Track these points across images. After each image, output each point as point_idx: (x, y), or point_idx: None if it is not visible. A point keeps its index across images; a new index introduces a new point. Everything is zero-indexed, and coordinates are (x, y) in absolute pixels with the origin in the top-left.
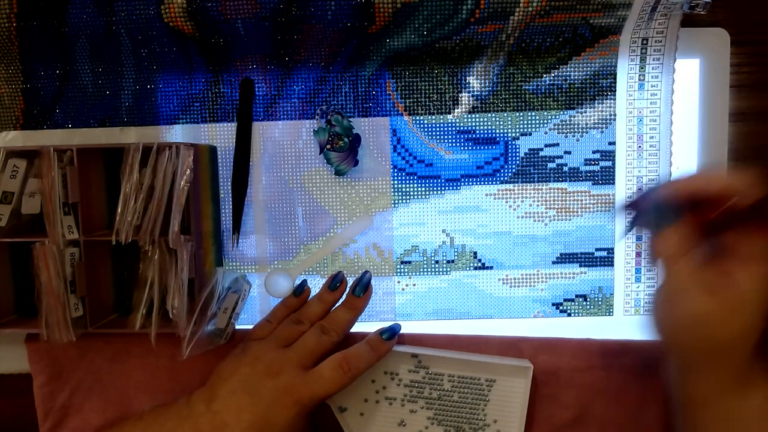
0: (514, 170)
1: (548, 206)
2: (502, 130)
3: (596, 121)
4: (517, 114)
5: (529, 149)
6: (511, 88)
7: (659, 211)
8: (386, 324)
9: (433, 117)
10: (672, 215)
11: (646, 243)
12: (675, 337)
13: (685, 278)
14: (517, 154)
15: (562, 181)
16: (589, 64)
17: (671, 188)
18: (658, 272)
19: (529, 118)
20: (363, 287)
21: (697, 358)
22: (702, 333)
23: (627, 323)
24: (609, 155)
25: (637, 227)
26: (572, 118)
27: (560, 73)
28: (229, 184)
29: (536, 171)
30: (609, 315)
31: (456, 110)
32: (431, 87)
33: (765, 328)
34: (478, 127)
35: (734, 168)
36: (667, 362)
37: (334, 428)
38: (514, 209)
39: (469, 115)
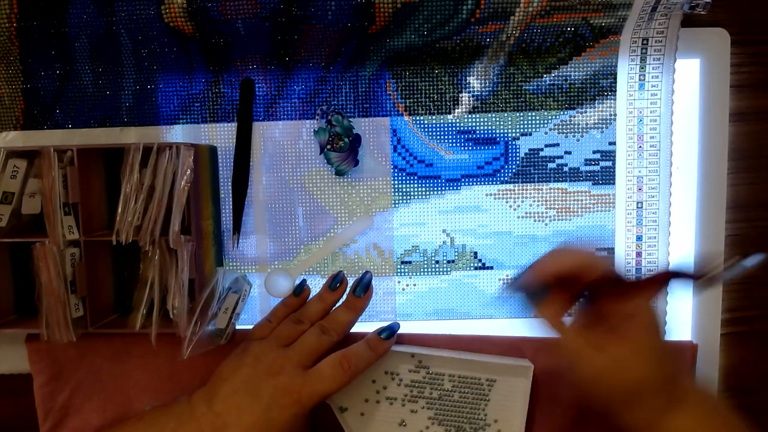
0: (514, 170)
1: (548, 206)
2: (502, 130)
3: (596, 121)
4: (518, 114)
5: (530, 149)
6: (512, 88)
7: (532, 292)
8: (386, 323)
9: (434, 117)
10: (542, 293)
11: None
12: (592, 390)
13: (576, 342)
14: (518, 154)
15: (562, 181)
16: (589, 64)
17: (533, 273)
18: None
19: (530, 118)
20: (363, 287)
21: (620, 401)
22: (611, 384)
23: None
24: (609, 155)
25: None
26: (572, 118)
27: (560, 73)
28: (230, 184)
29: (536, 171)
30: None
31: (456, 110)
32: (431, 87)
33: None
34: (478, 127)
35: (580, 249)
36: (610, 411)
37: (335, 428)
38: (515, 209)
39: (470, 115)
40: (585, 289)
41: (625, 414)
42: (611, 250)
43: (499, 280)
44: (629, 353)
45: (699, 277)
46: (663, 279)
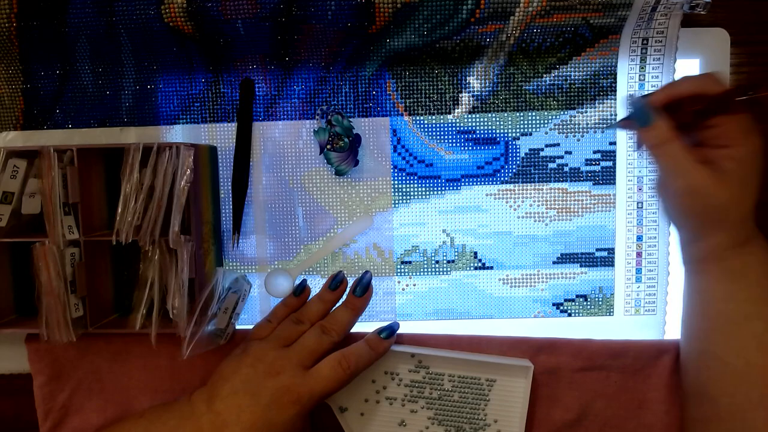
0: (514, 170)
1: (549, 206)
2: (502, 130)
3: (597, 121)
4: (518, 114)
5: (530, 149)
6: (512, 88)
7: (643, 111)
8: (386, 323)
9: (434, 117)
10: (654, 114)
11: (635, 136)
12: (680, 208)
13: (677, 155)
14: (518, 154)
15: (562, 181)
16: (589, 64)
17: (652, 96)
18: (652, 158)
19: (530, 118)
20: (363, 287)
21: (697, 225)
22: (697, 202)
23: (627, 323)
24: (610, 155)
25: (626, 125)
26: (573, 118)
27: (560, 73)
28: (229, 184)
29: (537, 171)
30: (609, 315)
31: (456, 110)
32: (431, 87)
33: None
34: (478, 127)
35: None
36: (679, 235)
37: (335, 428)
38: (515, 209)
39: (470, 115)
40: (698, 113)
41: (694, 245)
42: (611, 251)
43: (499, 280)
44: (723, 175)
45: None
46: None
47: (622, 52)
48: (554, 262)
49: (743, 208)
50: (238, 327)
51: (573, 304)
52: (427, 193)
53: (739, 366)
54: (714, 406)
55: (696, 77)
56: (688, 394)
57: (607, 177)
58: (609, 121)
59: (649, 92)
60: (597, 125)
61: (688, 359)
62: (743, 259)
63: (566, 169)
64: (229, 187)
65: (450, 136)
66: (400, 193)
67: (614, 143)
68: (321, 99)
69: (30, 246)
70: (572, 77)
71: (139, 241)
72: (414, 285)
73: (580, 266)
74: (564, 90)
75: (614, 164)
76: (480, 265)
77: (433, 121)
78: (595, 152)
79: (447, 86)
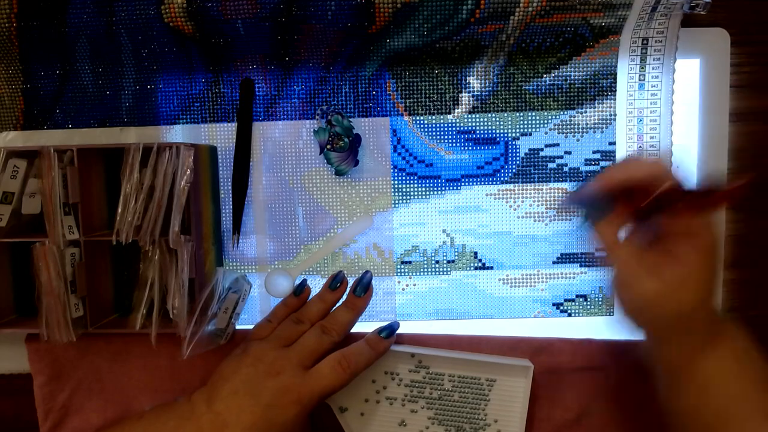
0: (514, 170)
1: (548, 206)
2: (502, 130)
3: (596, 121)
4: (518, 114)
5: (530, 149)
6: (512, 88)
7: (593, 206)
8: (386, 323)
9: (434, 117)
10: (605, 207)
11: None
12: (635, 317)
13: (629, 263)
14: (518, 154)
15: (562, 181)
16: (589, 64)
17: (600, 182)
18: (605, 262)
19: (530, 118)
20: (363, 287)
21: (661, 331)
22: (657, 311)
23: (627, 323)
24: (609, 155)
25: (585, 221)
26: (572, 118)
27: (560, 73)
28: (229, 184)
29: (536, 171)
30: (609, 315)
31: (456, 110)
32: (431, 87)
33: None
34: (478, 127)
35: (652, 158)
36: (641, 337)
37: (335, 428)
38: (515, 209)
39: (470, 115)
40: (651, 202)
41: (663, 349)
42: None
43: (499, 280)
44: (683, 278)
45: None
46: (737, 191)
47: (622, 52)
48: (554, 262)
49: (706, 309)
50: (238, 327)
51: (573, 304)
52: (427, 193)
53: None
54: None
55: (646, 166)
56: None
57: None
58: (607, 120)
59: (599, 176)
60: (597, 125)
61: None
62: (714, 366)
63: (566, 169)
64: (229, 187)
65: (450, 136)
66: (400, 193)
67: (614, 143)
68: (321, 99)
69: (30, 246)
70: (572, 77)
71: (139, 241)
72: (414, 285)
73: (580, 266)
74: (564, 90)
75: (614, 164)
76: (480, 265)
77: (433, 121)
78: (594, 152)
79: (447, 86)
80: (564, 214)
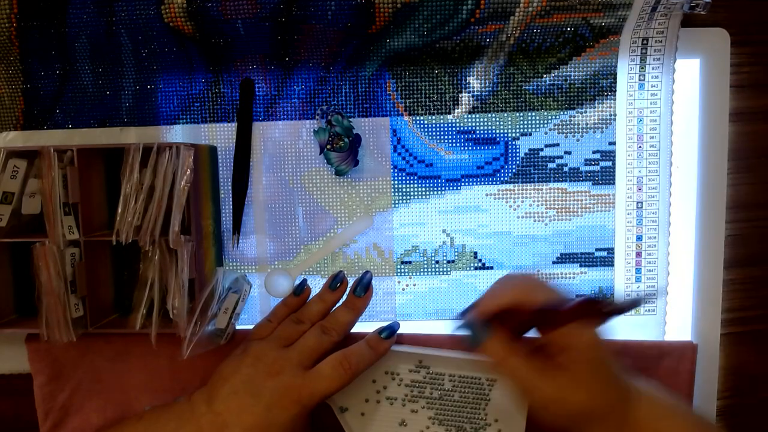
0: (514, 170)
1: (548, 206)
2: (502, 130)
3: (596, 121)
4: (517, 114)
5: (530, 149)
6: (511, 88)
7: (476, 329)
8: (386, 323)
9: (433, 117)
10: (485, 330)
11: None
12: (546, 417)
13: (521, 370)
14: (518, 154)
15: (562, 181)
16: (589, 64)
17: (476, 311)
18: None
19: (529, 118)
20: (363, 287)
21: (571, 426)
22: (556, 412)
23: (627, 323)
24: (609, 155)
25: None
26: (572, 118)
27: (560, 73)
28: (229, 184)
29: (536, 171)
30: None
31: (456, 110)
32: (431, 87)
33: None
34: (478, 127)
35: (520, 277)
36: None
37: (335, 428)
38: (515, 209)
39: (470, 115)
40: (525, 322)
41: None
42: (611, 251)
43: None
44: (569, 383)
45: (620, 310)
46: (586, 308)
47: (622, 52)
48: (554, 262)
49: (606, 399)
50: (238, 327)
51: None
52: (427, 193)
53: None
54: None
55: (510, 291)
56: None
57: (607, 177)
58: (607, 120)
59: (473, 303)
60: (597, 125)
61: None
62: (643, 428)
63: (566, 169)
64: (229, 187)
65: (450, 136)
66: (400, 193)
67: (614, 143)
68: (321, 99)
69: (30, 246)
70: (572, 77)
71: (139, 241)
72: (414, 285)
73: (580, 266)
74: (564, 90)
75: (614, 164)
76: (480, 265)
77: (433, 121)
78: (594, 152)
79: (447, 86)
80: (457, 334)
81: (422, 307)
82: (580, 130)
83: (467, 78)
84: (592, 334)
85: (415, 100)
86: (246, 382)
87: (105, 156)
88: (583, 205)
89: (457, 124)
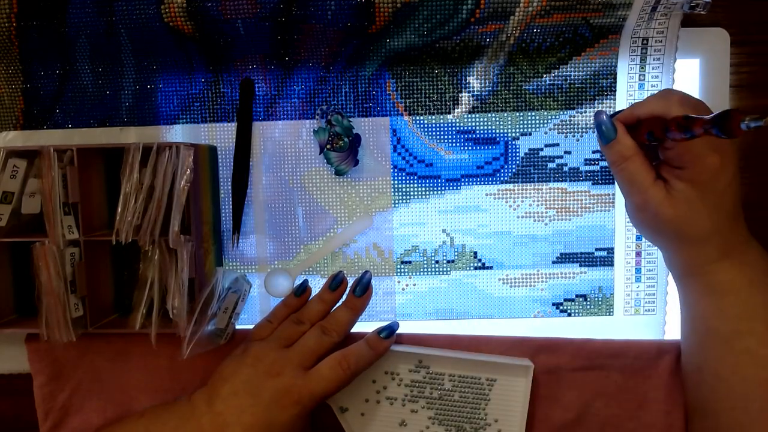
0: (514, 170)
1: (548, 206)
2: (502, 130)
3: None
4: (517, 114)
5: (529, 149)
6: (511, 88)
7: (608, 127)
8: (385, 323)
9: (433, 117)
10: (616, 131)
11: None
12: (638, 225)
13: (634, 172)
14: (517, 154)
15: (562, 181)
16: (589, 64)
17: (617, 114)
18: (619, 183)
19: (529, 118)
20: (363, 287)
21: (662, 241)
22: (651, 218)
23: (627, 323)
24: None
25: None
26: (572, 118)
27: (560, 73)
28: (229, 184)
29: (536, 171)
30: (609, 315)
31: (456, 110)
32: (431, 87)
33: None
34: (478, 127)
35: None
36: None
37: (335, 428)
38: (514, 209)
39: (469, 115)
40: (659, 130)
41: (681, 256)
42: (611, 250)
43: (499, 280)
44: (681, 190)
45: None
46: (724, 119)
47: (622, 52)
48: (554, 262)
49: (698, 227)
50: (238, 327)
51: (573, 304)
52: (427, 193)
53: (735, 382)
54: (716, 421)
55: (659, 97)
56: (692, 408)
57: (607, 177)
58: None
59: (617, 111)
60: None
61: (688, 374)
62: (728, 274)
63: (565, 168)
64: (229, 187)
65: (450, 136)
66: (400, 193)
67: None
68: (321, 99)
69: (30, 246)
70: (572, 77)
71: (139, 241)
72: (414, 285)
73: (580, 266)
74: (564, 90)
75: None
76: (480, 265)
77: (433, 121)
78: (594, 152)
79: (447, 86)
80: (599, 124)
81: (422, 307)
82: (580, 130)
83: (467, 78)
84: (727, 153)
85: (415, 100)
86: (246, 382)
87: (105, 156)
88: (583, 205)
89: (457, 124)
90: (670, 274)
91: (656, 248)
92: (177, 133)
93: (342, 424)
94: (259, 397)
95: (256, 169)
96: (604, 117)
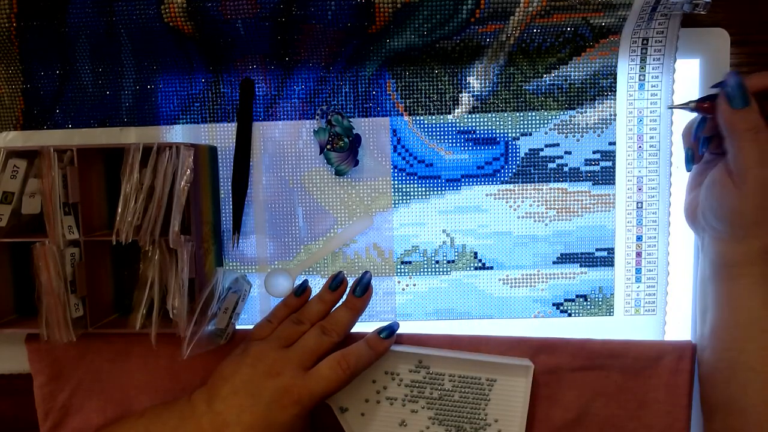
0: (514, 170)
1: (548, 206)
2: (502, 130)
3: (596, 121)
4: (518, 114)
5: (530, 149)
6: (512, 88)
7: (742, 93)
8: (385, 323)
9: (433, 117)
10: (751, 98)
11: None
12: (735, 200)
13: (765, 145)
14: (518, 154)
15: (562, 181)
16: (589, 64)
17: (748, 80)
18: (729, 145)
19: (530, 118)
20: (363, 287)
21: (748, 223)
22: (749, 206)
23: (627, 323)
24: (609, 155)
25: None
26: (572, 118)
27: (560, 73)
28: (229, 184)
29: (536, 171)
30: (609, 315)
31: (456, 110)
32: (431, 87)
33: None
34: (478, 127)
35: None
36: (711, 240)
37: (335, 428)
38: (515, 209)
39: (470, 115)
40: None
41: (727, 247)
42: (611, 251)
43: (499, 280)
44: None
45: None
46: None
47: (622, 52)
48: (554, 262)
49: None
50: (238, 327)
51: (573, 304)
52: (427, 193)
53: None
54: (742, 418)
55: None
56: (715, 406)
57: (607, 177)
58: (607, 120)
59: (746, 75)
60: (597, 125)
61: (715, 371)
62: (754, 274)
63: (566, 169)
64: (229, 187)
65: (450, 136)
66: (400, 193)
67: (614, 143)
68: (321, 99)
69: (30, 246)
70: (572, 77)
71: (139, 241)
72: (414, 285)
73: (580, 266)
74: (564, 90)
75: (614, 164)
76: (480, 265)
77: (433, 121)
78: (594, 152)
79: (447, 86)
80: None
81: (422, 307)
82: (580, 130)
83: (467, 78)
84: None
85: (415, 100)
86: (246, 382)
87: (105, 156)
88: (583, 205)
89: (457, 124)
90: (670, 270)
91: (656, 249)
92: (177, 134)
93: (342, 424)
94: (259, 396)
95: (256, 169)
96: (741, 78)
